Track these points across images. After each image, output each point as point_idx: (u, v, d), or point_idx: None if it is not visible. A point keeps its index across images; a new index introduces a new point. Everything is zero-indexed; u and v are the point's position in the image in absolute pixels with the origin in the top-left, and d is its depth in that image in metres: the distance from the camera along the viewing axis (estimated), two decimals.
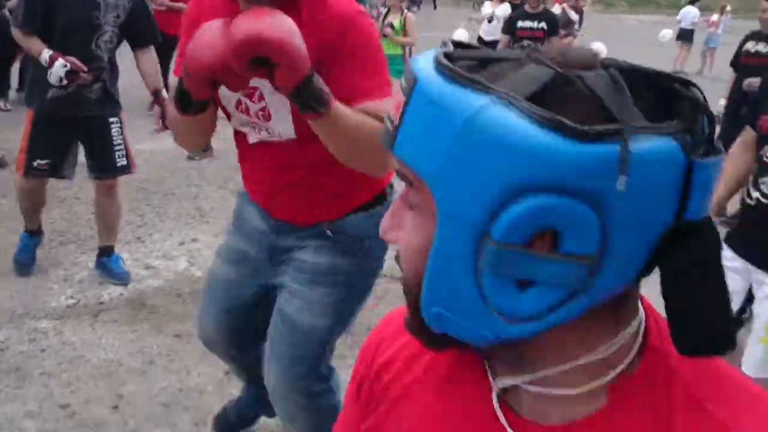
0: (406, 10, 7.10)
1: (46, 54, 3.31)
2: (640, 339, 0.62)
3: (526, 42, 6.49)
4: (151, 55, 3.70)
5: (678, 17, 15.93)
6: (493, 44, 9.47)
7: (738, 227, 2.58)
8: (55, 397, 2.78)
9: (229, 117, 1.81)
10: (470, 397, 0.68)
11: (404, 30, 6.84)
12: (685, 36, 15.18)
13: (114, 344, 3.17)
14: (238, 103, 1.71)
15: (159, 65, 3.84)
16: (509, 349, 0.60)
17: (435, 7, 19.11)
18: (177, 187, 5.37)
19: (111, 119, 3.61)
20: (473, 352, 0.67)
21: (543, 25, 6.59)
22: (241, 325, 2.08)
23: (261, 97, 1.66)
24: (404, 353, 0.76)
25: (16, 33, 3.48)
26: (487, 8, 9.77)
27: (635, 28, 27.90)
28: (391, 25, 6.76)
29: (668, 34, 15.31)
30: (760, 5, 5.28)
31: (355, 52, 1.58)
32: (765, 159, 2.42)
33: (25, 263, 3.77)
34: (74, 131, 3.59)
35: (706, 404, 0.59)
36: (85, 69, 3.37)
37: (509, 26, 6.91)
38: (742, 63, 5.43)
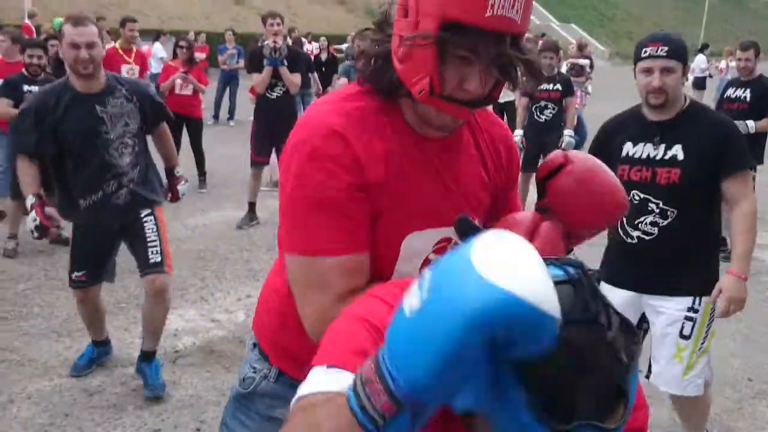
0: None
1: (30, 200, 3.27)
2: None
3: (543, 103, 7.05)
4: (164, 132, 3.77)
5: (692, 65, 16.57)
6: (507, 105, 10.20)
7: (620, 265, 2.93)
8: (148, 425, 3.38)
9: None
10: None
11: None
12: (698, 84, 15.78)
13: (192, 382, 3.80)
14: None
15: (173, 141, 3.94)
16: None
17: None
18: (231, 252, 6.07)
19: (144, 217, 3.58)
20: None
21: (558, 86, 7.07)
22: None
23: None
24: None
25: (19, 158, 3.44)
26: None
27: None
28: None
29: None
30: (737, 55, 5.90)
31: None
32: (635, 201, 2.78)
33: (80, 367, 3.84)
34: (111, 236, 3.64)
35: None
36: (58, 225, 3.36)
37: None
38: (725, 108, 6.00)
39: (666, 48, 2.68)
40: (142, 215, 3.57)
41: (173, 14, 23.46)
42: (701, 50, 16.25)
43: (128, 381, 3.81)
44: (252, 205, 6.87)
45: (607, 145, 2.90)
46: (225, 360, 4.06)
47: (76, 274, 3.66)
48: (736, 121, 5.52)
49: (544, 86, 7.05)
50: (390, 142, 1.32)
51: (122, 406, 3.55)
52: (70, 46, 3.30)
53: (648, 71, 2.71)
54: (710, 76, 15.88)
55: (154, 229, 3.59)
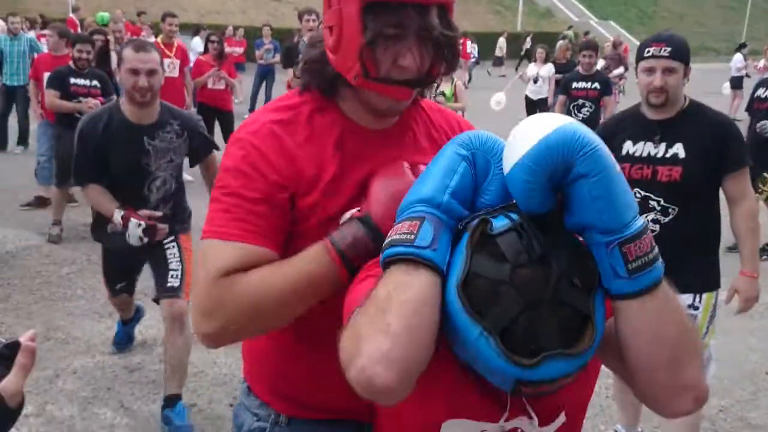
0: (455, 79, 7.96)
1: (117, 216, 3.24)
2: None
3: (581, 101, 7.13)
4: (212, 162, 3.61)
5: (730, 65, 16.33)
6: (540, 102, 10.24)
7: None
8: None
9: None
10: None
11: (455, 96, 7.67)
12: (736, 84, 15.59)
13: (226, 362, 3.99)
14: None
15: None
16: None
17: (470, 80, 19.86)
18: None
19: (167, 244, 3.51)
20: None
21: (596, 85, 7.14)
22: None
23: None
24: None
25: (83, 193, 3.55)
26: (532, 69, 10.57)
27: (694, 78, 28.11)
28: (443, 94, 7.62)
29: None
30: (765, 54, 5.90)
31: None
32: (637, 197, 2.77)
33: (121, 343, 4.11)
34: (138, 258, 3.65)
35: None
36: (161, 218, 3.35)
37: (565, 87, 7.44)
38: (755, 108, 6.02)
39: (669, 48, 2.71)
40: (165, 242, 3.50)
41: (211, 9, 23.85)
42: (738, 49, 16.04)
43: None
44: None
45: (608, 144, 2.92)
46: None
47: (120, 285, 3.78)
48: (766, 121, 5.65)
49: (582, 84, 7.15)
50: (329, 137, 1.31)
51: (160, 382, 3.73)
52: (130, 72, 3.21)
53: (650, 70, 2.75)
54: (748, 75, 15.66)
55: (176, 255, 3.52)
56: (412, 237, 1.01)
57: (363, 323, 0.98)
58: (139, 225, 3.21)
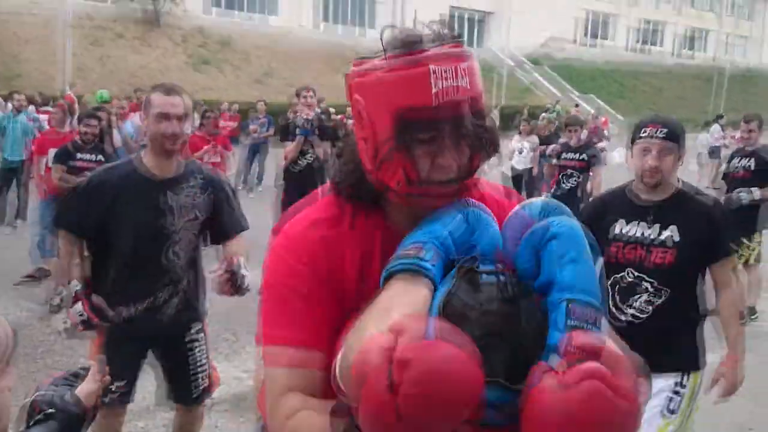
0: None
1: (74, 287, 2.78)
2: None
3: (569, 171, 7.54)
4: (240, 241, 3.08)
5: (707, 135, 16.87)
6: (525, 173, 10.61)
7: None
8: None
9: None
10: None
11: None
12: (713, 153, 16.10)
13: (228, 427, 4.10)
14: None
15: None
16: None
17: None
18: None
19: (194, 335, 3.05)
20: None
21: (585, 156, 7.59)
22: None
23: None
24: None
25: (59, 242, 3.00)
26: (516, 142, 10.97)
27: None
28: None
29: (619, 154, 15.96)
30: (740, 126, 6.27)
31: None
32: (628, 279, 2.84)
33: None
34: (146, 351, 3.06)
35: None
36: (107, 318, 2.81)
37: (557, 156, 7.90)
38: (731, 177, 6.34)
39: (665, 130, 2.74)
40: (192, 331, 3.04)
41: (205, 85, 24.48)
42: (715, 120, 16.63)
43: (168, 425, 4.10)
44: None
45: (596, 224, 2.88)
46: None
47: (117, 384, 2.81)
48: (741, 189, 5.94)
49: (572, 155, 7.61)
50: (366, 244, 1.34)
51: None
52: (158, 117, 2.78)
53: (646, 151, 2.77)
54: (726, 146, 16.18)
55: (204, 351, 3.08)
56: (416, 253, 1.18)
57: (367, 320, 1.12)
58: (81, 315, 2.72)
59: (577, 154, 7.57)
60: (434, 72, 1.18)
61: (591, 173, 7.60)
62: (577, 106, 24.69)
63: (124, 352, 2.87)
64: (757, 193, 6.00)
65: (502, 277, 1.15)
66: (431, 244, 1.20)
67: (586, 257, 1.16)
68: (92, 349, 2.92)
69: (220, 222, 3.04)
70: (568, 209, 1.26)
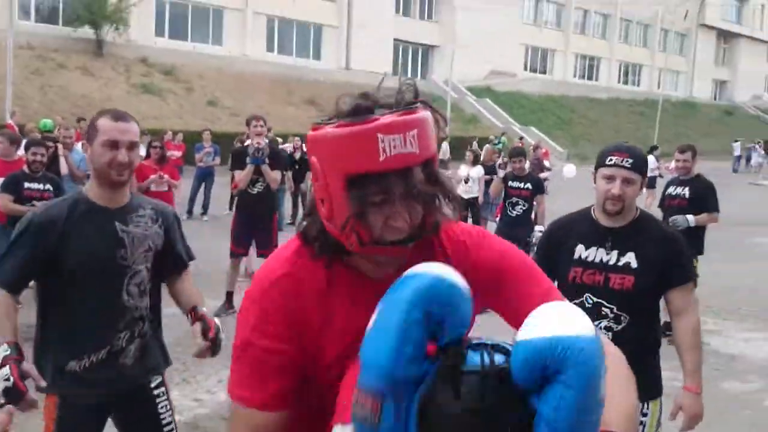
0: None
1: (2, 351, 2.32)
2: None
3: (514, 199, 7.77)
4: (188, 277, 2.87)
5: None
6: (471, 201, 10.82)
7: None
8: None
9: None
10: None
11: None
12: (650, 183, 16.68)
13: None
14: None
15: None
16: None
17: None
18: None
19: (155, 389, 2.74)
20: None
21: (529, 185, 7.85)
22: None
23: None
24: None
25: None
26: (463, 170, 11.19)
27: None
28: None
29: (568, 170, 16.68)
30: (675, 156, 6.59)
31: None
32: (587, 305, 2.82)
33: None
34: (105, 415, 2.71)
35: None
36: (38, 387, 2.42)
37: (504, 181, 8.10)
38: (667, 205, 6.64)
39: (631, 160, 2.75)
40: (152, 386, 2.72)
41: (148, 114, 24.17)
42: (650, 151, 17.29)
43: None
44: (230, 295, 7.15)
45: (558, 247, 2.95)
46: None
47: None
48: (677, 216, 6.22)
49: (516, 184, 7.85)
50: (333, 289, 1.39)
51: None
52: (107, 145, 2.50)
53: (610, 179, 2.78)
54: (660, 176, 16.82)
55: (168, 406, 2.76)
56: (372, 418, 1.11)
57: None
58: (7, 379, 2.27)
59: (522, 183, 7.85)
60: (382, 140, 1.22)
61: (535, 202, 7.92)
62: (521, 138, 25.49)
63: (81, 426, 2.60)
64: (692, 219, 6.30)
65: (487, 380, 1.09)
66: (390, 396, 1.11)
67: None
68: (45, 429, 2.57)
69: (173, 253, 2.80)
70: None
